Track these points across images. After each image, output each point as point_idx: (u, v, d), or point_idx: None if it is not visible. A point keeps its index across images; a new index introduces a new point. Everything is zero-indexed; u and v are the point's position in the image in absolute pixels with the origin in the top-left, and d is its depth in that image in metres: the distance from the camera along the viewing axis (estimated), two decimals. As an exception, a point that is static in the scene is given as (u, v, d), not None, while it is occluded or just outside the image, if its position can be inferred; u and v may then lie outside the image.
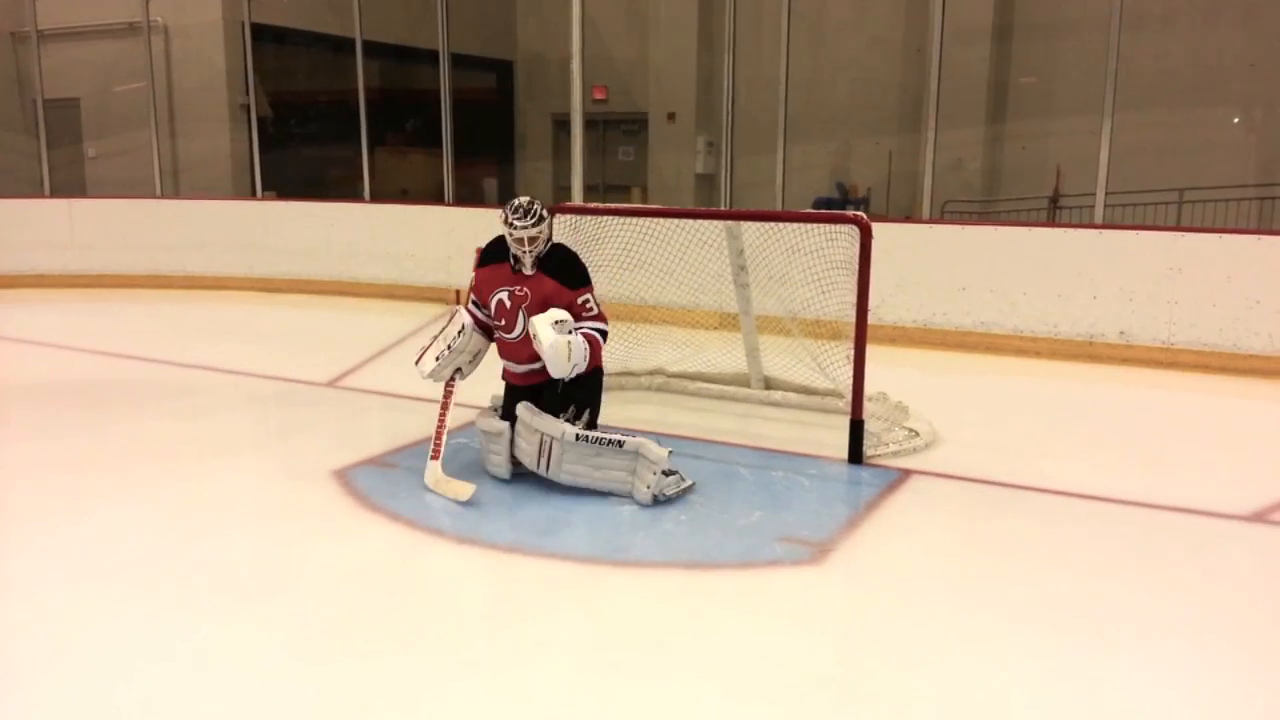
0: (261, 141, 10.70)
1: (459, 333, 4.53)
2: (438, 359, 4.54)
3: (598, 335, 4.34)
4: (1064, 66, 9.77)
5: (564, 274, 4.38)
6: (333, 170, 11.87)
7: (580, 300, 4.35)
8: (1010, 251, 7.37)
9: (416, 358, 4.62)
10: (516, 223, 4.27)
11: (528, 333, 4.30)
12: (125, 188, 11.24)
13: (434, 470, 4.35)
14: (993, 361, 7.17)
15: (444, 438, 4.42)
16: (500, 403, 4.68)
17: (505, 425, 4.45)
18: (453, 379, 4.59)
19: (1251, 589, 3.53)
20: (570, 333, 4.19)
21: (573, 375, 4.26)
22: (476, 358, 4.63)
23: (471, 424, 4.74)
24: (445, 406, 4.50)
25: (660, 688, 2.86)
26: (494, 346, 4.65)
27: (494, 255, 4.51)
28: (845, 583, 3.62)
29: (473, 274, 4.62)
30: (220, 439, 5.33)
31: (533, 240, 4.29)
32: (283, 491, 4.53)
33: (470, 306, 4.62)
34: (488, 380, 4.76)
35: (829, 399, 5.53)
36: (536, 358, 4.30)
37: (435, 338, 4.62)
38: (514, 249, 4.35)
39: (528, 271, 4.36)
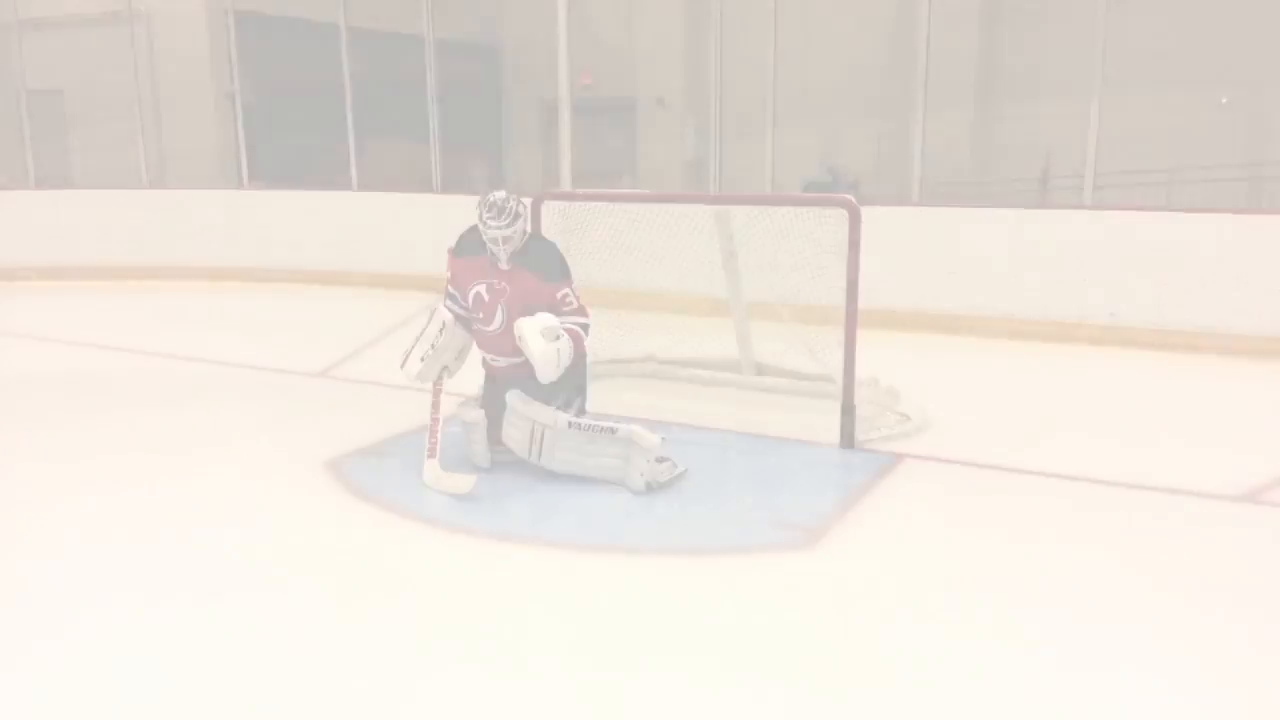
0: (247, 130, 10.62)
1: (440, 331, 4.48)
2: (422, 359, 4.49)
3: (580, 330, 4.31)
4: (1052, 47, 9.73)
5: (543, 268, 4.34)
6: (320, 159, 11.78)
7: (560, 295, 4.31)
8: (1000, 234, 7.35)
9: (401, 361, 4.56)
10: (491, 223, 4.23)
11: (508, 326, 4.29)
12: (111, 178, 11.13)
13: (432, 469, 4.33)
14: (983, 344, 7.17)
15: (439, 436, 4.40)
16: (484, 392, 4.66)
17: (481, 414, 4.47)
18: (440, 377, 4.56)
19: (1243, 570, 3.54)
20: (557, 338, 4.16)
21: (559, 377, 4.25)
22: (462, 353, 4.61)
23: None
24: (436, 405, 4.46)
25: (653, 673, 2.87)
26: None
27: (471, 246, 4.46)
28: (838, 567, 3.62)
29: (448, 269, 4.58)
30: (210, 429, 5.31)
31: (507, 239, 4.27)
32: (274, 481, 4.51)
33: (447, 301, 4.58)
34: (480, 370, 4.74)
35: (820, 384, 5.52)
36: (519, 351, 4.27)
37: (416, 338, 4.56)
38: (489, 244, 4.31)
39: (504, 266, 4.34)
